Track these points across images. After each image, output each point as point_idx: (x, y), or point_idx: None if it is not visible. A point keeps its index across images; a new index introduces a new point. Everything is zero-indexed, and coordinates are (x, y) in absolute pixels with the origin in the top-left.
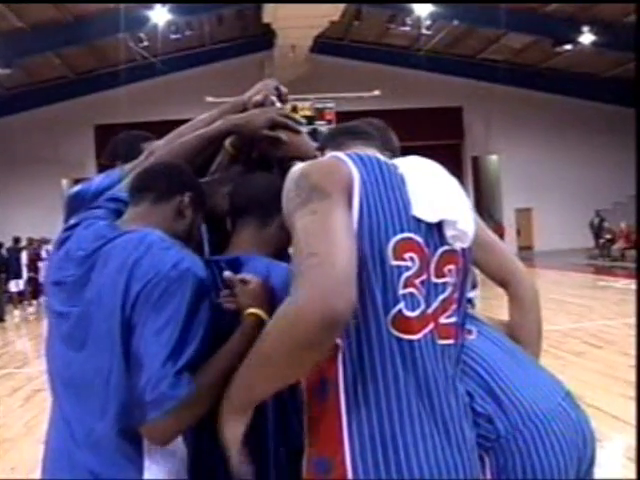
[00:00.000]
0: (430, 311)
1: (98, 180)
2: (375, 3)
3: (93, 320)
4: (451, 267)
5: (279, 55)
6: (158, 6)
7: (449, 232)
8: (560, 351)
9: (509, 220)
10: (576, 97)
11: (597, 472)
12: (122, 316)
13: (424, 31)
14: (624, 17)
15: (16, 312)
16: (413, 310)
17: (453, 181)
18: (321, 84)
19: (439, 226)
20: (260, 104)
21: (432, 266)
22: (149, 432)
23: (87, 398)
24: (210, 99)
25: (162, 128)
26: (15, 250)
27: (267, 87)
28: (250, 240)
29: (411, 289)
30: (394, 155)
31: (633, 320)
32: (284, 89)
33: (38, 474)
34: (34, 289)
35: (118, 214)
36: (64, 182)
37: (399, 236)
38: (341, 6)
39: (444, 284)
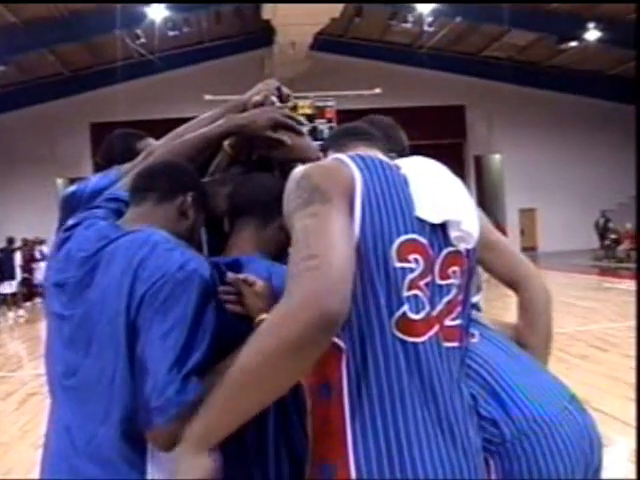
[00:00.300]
0: (435, 313)
1: (95, 180)
2: (375, 3)
3: (97, 322)
4: (456, 268)
5: (279, 52)
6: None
7: (453, 233)
8: (565, 354)
9: (513, 221)
10: (581, 95)
11: (603, 474)
12: (127, 318)
13: (426, 28)
14: (631, 13)
15: (10, 314)
16: (418, 312)
17: (457, 181)
18: (321, 82)
19: (443, 227)
20: (260, 104)
21: (436, 268)
22: (155, 437)
23: (89, 402)
24: (209, 97)
25: (160, 126)
26: (8, 251)
27: (268, 87)
28: (250, 241)
29: (415, 291)
30: (402, 154)
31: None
32: (286, 90)
33: (34, 476)
34: (29, 291)
35: (119, 214)
36: (59, 181)
37: (403, 237)
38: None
39: (449, 286)
